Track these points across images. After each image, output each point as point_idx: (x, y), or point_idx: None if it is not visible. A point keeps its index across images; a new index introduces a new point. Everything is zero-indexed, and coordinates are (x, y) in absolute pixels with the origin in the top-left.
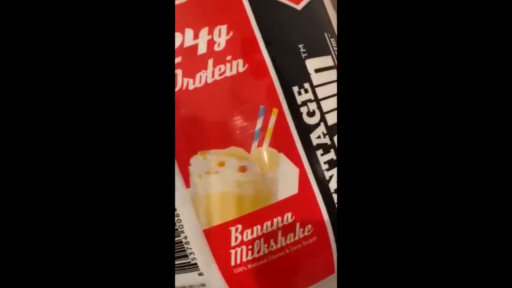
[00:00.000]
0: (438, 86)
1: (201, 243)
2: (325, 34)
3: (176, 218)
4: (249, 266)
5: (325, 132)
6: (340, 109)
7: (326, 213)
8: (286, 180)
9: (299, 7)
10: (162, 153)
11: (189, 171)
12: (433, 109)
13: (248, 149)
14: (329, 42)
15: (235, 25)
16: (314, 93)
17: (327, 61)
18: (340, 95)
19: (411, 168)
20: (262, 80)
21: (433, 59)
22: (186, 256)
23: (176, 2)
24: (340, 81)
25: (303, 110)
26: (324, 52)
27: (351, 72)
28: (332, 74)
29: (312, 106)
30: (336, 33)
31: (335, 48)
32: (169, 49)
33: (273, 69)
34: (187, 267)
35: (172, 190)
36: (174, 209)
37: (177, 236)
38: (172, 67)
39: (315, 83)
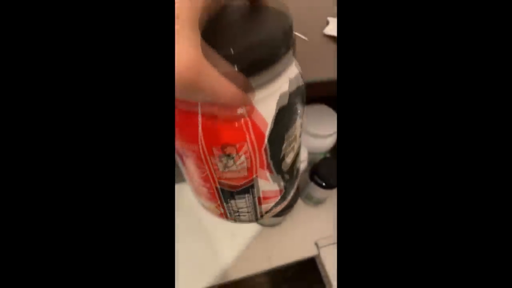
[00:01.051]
0: (436, 86)
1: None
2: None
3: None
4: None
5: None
6: (340, 109)
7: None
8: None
9: None
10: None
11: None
12: (431, 109)
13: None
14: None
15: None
16: (235, 202)
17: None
18: (340, 95)
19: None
20: (217, 197)
21: (432, 60)
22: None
23: None
24: (340, 80)
25: (227, 206)
26: (245, 193)
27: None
28: (243, 199)
29: (233, 206)
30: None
31: (258, 186)
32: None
33: (220, 193)
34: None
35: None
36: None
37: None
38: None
39: (236, 199)
